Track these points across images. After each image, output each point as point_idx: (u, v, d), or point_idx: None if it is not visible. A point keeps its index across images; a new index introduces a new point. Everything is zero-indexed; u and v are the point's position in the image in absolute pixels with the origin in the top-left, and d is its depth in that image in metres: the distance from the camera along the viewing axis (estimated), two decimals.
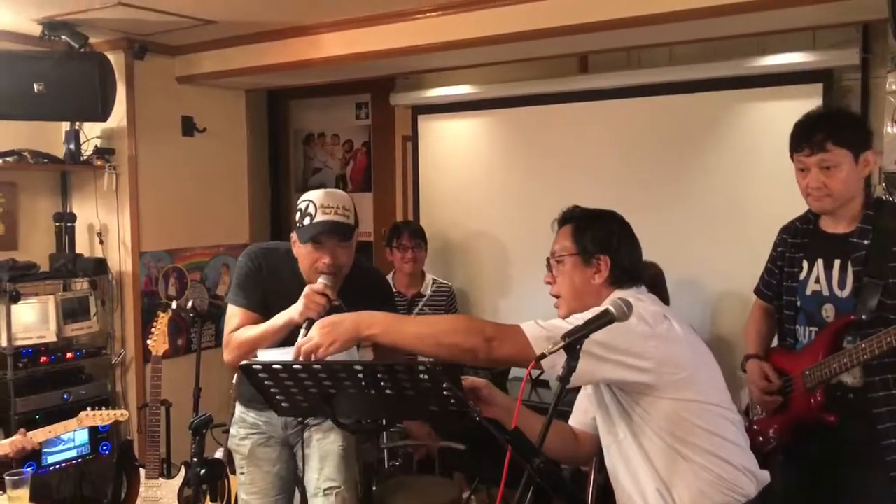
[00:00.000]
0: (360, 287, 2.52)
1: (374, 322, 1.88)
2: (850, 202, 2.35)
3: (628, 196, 4.18)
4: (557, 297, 2.07)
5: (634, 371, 1.82)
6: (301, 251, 2.47)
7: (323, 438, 2.66)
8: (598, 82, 4.24)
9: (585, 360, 1.69)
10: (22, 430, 3.01)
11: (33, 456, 3.65)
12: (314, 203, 2.42)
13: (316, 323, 1.93)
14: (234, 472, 3.48)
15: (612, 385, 1.92)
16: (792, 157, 2.41)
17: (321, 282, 2.35)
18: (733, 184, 3.87)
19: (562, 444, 2.15)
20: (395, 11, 3.70)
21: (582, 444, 2.19)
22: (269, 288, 2.53)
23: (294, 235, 2.48)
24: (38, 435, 3.15)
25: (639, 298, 1.93)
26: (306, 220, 2.42)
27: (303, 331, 2.21)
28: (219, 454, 3.52)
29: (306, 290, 2.34)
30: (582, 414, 2.22)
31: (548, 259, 2.12)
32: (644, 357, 1.82)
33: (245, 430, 2.75)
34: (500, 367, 4.11)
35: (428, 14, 3.66)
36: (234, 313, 2.56)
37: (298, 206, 2.47)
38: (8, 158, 4.06)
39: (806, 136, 2.33)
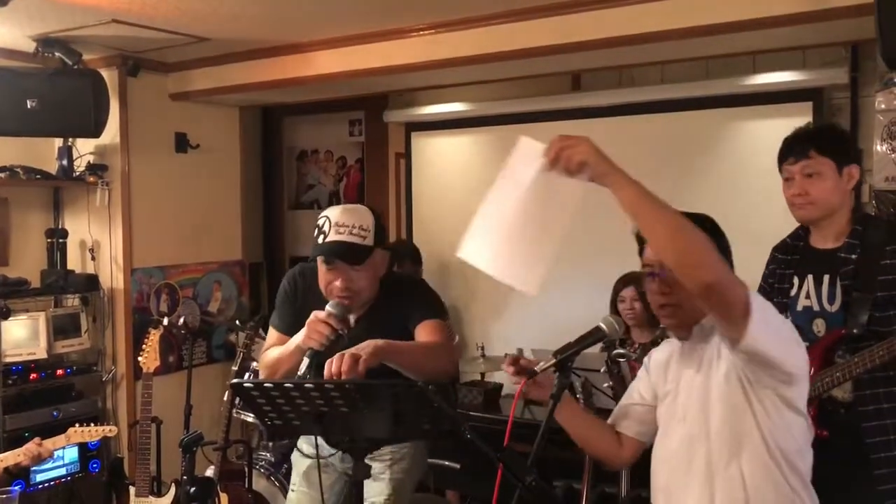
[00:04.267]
0: (395, 298, 2.42)
1: None
2: (835, 215, 2.37)
3: (620, 212, 4.20)
4: (668, 305, 1.91)
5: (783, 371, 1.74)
6: (318, 270, 2.35)
7: (371, 485, 2.42)
8: (591, 100, 4.27)
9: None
10: (37, 438, 2.96)
11: (22, 474, 3.61)
12: (329, 220, 2.30)
13: None
14: (223, 490, 3.46)
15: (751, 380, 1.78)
16: (780, 170, 2.44)
17: (327, 309, 2.21)
18: (724, 200, 3.87)
19: (607, 445, 2.08)
20: (389, 29, 3.72)
21: (625, 450, 2.09)
22: (305, 304, 2.40)
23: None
24: (47, 444, 3.10)
25: None
26: (319, 238, 2.30)
27: (305, 360, 2.13)
28: (209, 472, 3.51)
29: (311, 316, 2.21)
30: (634, 422, 2.07)
31: (650, 272, 1.94)
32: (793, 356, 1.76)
33: (309, 448, 2.51)
34: (492, 384, 4.11)
35: (421, 32, 3.68)
36: (270, 333, 2.51)
37: (317, 222, 2.35)
38: (0, 175, 4.05)
39: (791, 146, 2.39)
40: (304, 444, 2.60)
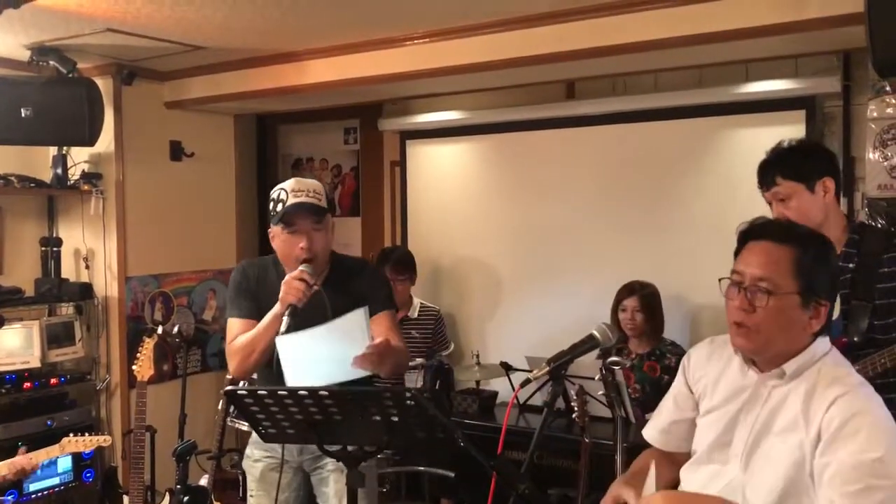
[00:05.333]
0: (348, 275, 2.56)
1: None
2: (823, 228, 2.37)
3: (614, 220, 4.22)
4: (747, 327, 1.69)
5: None
6: (278, 241, 2.50)
7: (342, 478, 2.40)
8: (585, 108, 4.28)
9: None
10: (23, 448, 2.95)
11: (14, 484, 3.59)
12: (285, 190, 2.46)
13: None
14: (217, 499, 3.45)
15: None
16: (761, 191, 2.48)
17: (300, 268, 2.38)
18: (717, 208, 3.90)
19: (670, 475, 1.94)
20: (383, 38, 3.74)
21: (674, 460, 1.96)
22: (259, 294, 2.54)
23: (272, 230, 2.51)
24: (38, 457, 3.08)
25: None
26: (279, 207, 2.45)
27: (285, 318, 2.27)
28: (203, 481, 3.50)
29: (286, 278, 2.37)
30: (683, 440, 1.95)
31: (737, 281, 1.73)
32: None
33: (259, 451, 2.66)
34: (487, 392, 4.11)
35: (416, 40, 3.69)
36: (231, 326, 2.57)
37: (271, 197, 2.50)
38: None
39: (761, 175, 2.44)
40: (254, 449, 2.68)
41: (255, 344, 2.42)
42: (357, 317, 2.17)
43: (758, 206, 2.48)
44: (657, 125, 4.12)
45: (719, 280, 1.76)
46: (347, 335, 2.18)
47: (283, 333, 2.26)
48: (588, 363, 3.25)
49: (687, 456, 1.90)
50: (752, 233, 1.75)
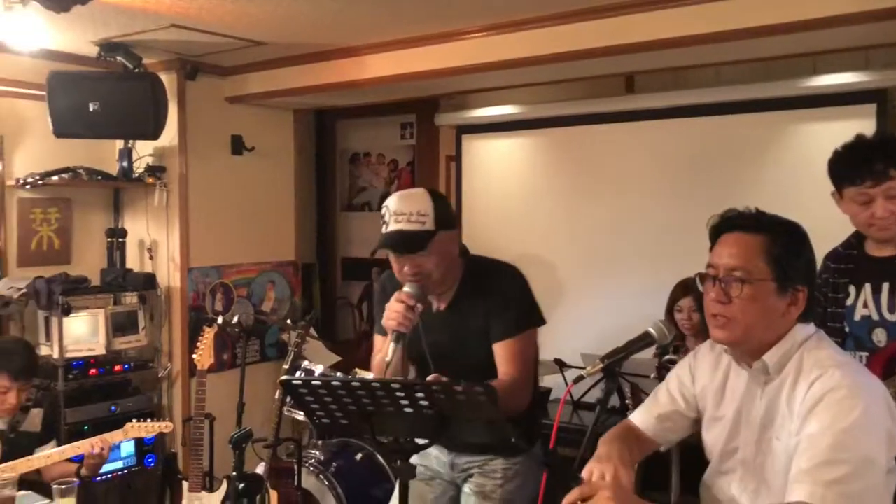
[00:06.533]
0: (480, 289, 2.34)
1: None
2: None
3: (673, 217, 4.14)
4: (725, 317, 1.69)
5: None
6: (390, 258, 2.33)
7: (482, 502, 2.37)
8: (644, 102, 4.21)
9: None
10: (97, 440, 3.07)
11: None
12: (389, 209, 2.27)
13: None
14: (273, 487, 3.51)
15: None
16: (840, 188, 2.34)
17: (404, 289, 2.24)
18: (782, 206, 3.75)
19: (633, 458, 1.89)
20: (441, 32, 3.73)
21: (643, 449, 1.95)
22: None
23: None
24: (83, 446, 3.20)
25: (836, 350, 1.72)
26: (383, 228, 2.28)
27: (391, 346, 2.16)
28: (260, 469, 3.55)
29: (392, 298, 2.24)
30: (671, 433, 1.95)
31: (712, 275, 1.72)
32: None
33: (418, 458, 2.33)
34: (541, 389, 4.08)
35: (473, 35, 3.68)
36: (375, 340, 2.48)
37: (381, 211, 2.32)
38: (64, 175, 4.18)
39: (866, 167, 2.24)
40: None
41: (381, 367, 2.26)
42: None
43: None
44: (719, 119, 4.03)
45: (695, 275, 1.75)
46: None
47: (388, 361, 2.15)
48: (644, 361, 3.21)
49: (654, 448, 1.91)
50: (723, 225, 1.74)
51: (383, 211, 2.29)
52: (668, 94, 4.12)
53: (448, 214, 2.32)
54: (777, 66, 3.75)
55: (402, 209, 2.24)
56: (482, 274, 2.38)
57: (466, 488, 2.41)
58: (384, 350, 2.26)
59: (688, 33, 3.13)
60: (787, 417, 1.65)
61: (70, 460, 3.07)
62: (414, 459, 2.24)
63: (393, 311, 2.18)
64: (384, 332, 2.33)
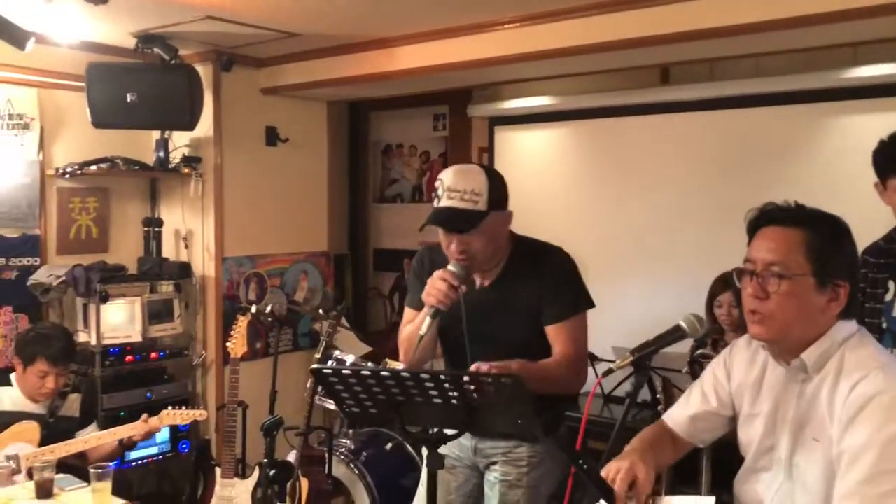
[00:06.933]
0: (528, 270, 2.31)
1: None
2: None
3: (709, 210, 4.08)
4: (762, 313, 1.65)
5: None
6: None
7: (507, 492, 2.37)
8: (680, 94, 4.16)
9: None
10: (144, 414, 3.19)
11: (131, 447, 3.79)
12: (443, 184, 2.23)
13: None
14: (304, 475, 3.54)
15: None
16: (883, 179, 2.29)
17: (448, 267, 2.21)
18: (822, 199, 3.69)
19: (666, 458, 1.90)
20: (474, 23, 3.72)
21: (678, 449, 1.93)
22: None
23: None
24: (121, 431, 3.28)
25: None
26: (435, 202, 2.24)
27: (427, 320, 2.15)
28: (291, 457, 3.59)
29: (433, 275, 2.21)
30: (706, 432, 1.92)
31: (749, 270, 1.67)
32: None
33: (443, 447, 2.44)
34: None
35: (506, 25, 3.66)
36: (405, 313, 2.48)
37: (435, 184, 2.28)
38: (102, 165, 4.25)
39: None
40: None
41: (411, 340, 2.27)
42: None
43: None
44: (757, 111, 3.96)
45: (733, 270, 1.72)
46: None
47: (421, 336, 2.15)
48: (676, 355, 3.17)
49: (690, 447, 1.87)
50: (761, 219, 1.70)
51: (437, 184, 2.25)
52: (705, 86, 4.06)
53: (502, 194, 2.29)
54: (816, 56, 3.68)
55: (456, 186, 2.20)
56: (530, 254, 2.36)
57: (491, 477, 2.40)
58: (417, 322, 2.25)
59: (726, 23, 3.07)
60: (826, 419, 1.61)
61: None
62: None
63: (434, 289, 2.16)
64: (416, 305, 2.34)
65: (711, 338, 3.50)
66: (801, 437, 1.66)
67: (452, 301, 2.16)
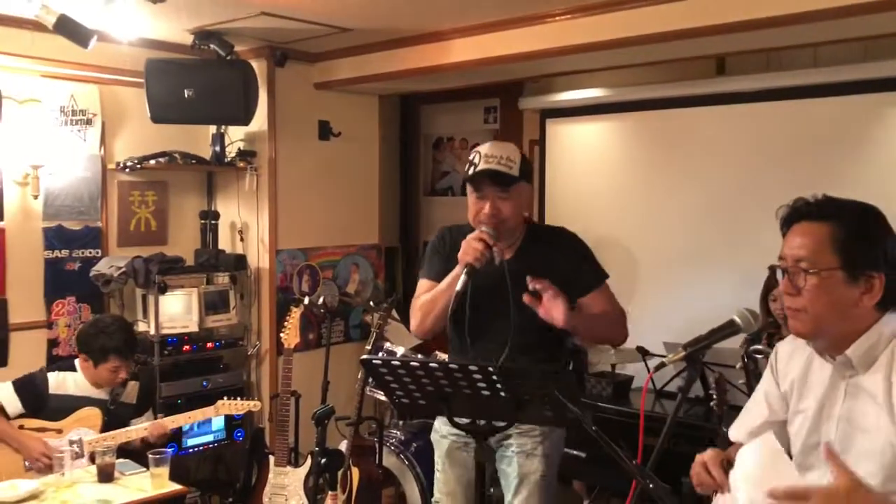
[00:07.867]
0: (544, 246, 2.54)
1: None
2: None
3: (764, 203, 3.99)
4: (795, 309, 1.65)
5: None
6: (469, 203, 2.51)
7: (525, 462, 2.49)
8: (736, 85, 4.07)
9: None
10: (160, 415, 3.32)
11: (175, 438, 3.89)
12: (480, 153, 2.46)
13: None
14: (355, 464, 3.59)
15: None
16: None
17: (482, 229, 2.39)
18: (879, 193, 3.57)
19: None
20: (525, 15, 3.70)
21: None
22: (452, 258, 2.48)
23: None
24: (179, 420, 3.38)
25: None
26: (470, 170, 2.46)
27: (463, 277, 2.29)
28: (342, 446, 3.64)
29: (467, 237, 2.39)
30: (749, 437, 1.85)
31: (781, 267, 1.68)
32: None
33: (447, 428, 2.61)
34: (622, 376, 4.03)
35: (558, 17, 3.64)
36: (420, 284, 2.62)
37: (469, 158, 2.50)
38: (160, 159, 4.36)
39: None
40: (441, 424, 2.65)
41: (435, 302, 2.46)
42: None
43: None
44: (815, 102, 3.87)
45: (769, 268, 1.73)
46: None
47: (459, 292, 2.28)
48: (730, 351, 3.13)
49: None
50: (791, 215, 1.69)
51: (472, 155, 2.47)
52: (761, 77, 3.97)
53: (530, 170, 2.55)
54: (876, 45, 3.57)
55: (493, 153, 2.44)
56: (545, 232, 2.65)
57: (508, 452, 2.51)
58: (448, 281, 2.40)
59: (783, 12, 3.00)
60: (880, 415, 1.58)
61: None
62: (443, 430, 2.56)
63: (471, 248, 2.34)
64: (433, 276, 2.56)
65: (766, 333, 3.43)
66: (850, 434, 1.63)
67: (486, 259, 2.33)
